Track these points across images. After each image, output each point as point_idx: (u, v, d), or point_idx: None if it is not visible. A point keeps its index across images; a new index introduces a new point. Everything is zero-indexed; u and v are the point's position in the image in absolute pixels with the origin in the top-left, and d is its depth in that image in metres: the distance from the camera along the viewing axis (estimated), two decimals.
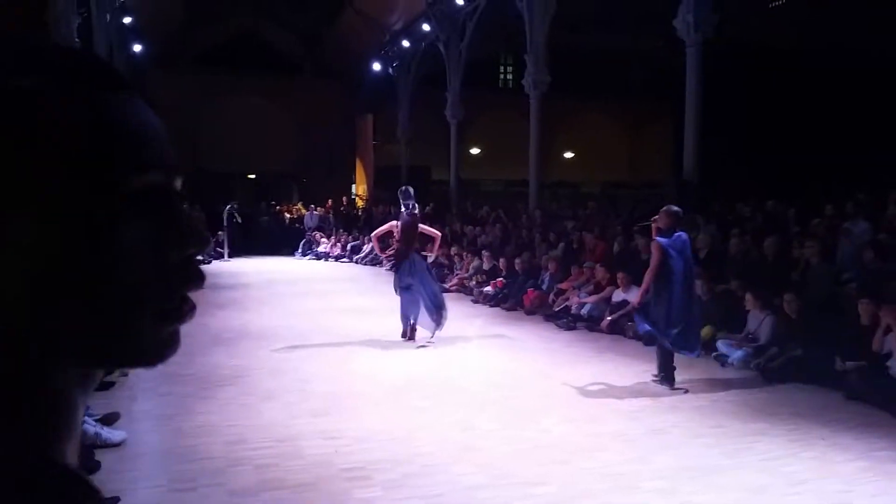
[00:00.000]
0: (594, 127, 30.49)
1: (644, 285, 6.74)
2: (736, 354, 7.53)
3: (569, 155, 30.74)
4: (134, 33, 20.45)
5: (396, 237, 8.82)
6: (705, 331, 8.09)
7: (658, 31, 17.81)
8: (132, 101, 0.52)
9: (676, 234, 6.52)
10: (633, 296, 9.10)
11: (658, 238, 6.49)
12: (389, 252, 9.03)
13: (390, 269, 10.06)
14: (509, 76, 30.04)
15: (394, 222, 8.98)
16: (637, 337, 8.74)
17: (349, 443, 5.04)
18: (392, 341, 8.86)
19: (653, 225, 6.81)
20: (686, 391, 6.62)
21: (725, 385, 7.00)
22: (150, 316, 0.51)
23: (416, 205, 8.90)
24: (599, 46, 27.03)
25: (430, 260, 9.10)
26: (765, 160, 20.68)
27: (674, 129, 27.34)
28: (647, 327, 6.74)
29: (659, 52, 23.50)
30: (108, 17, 17.06)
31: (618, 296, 9.40)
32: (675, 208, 6.67)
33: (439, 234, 9.55)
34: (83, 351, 0.49)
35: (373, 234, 9.72)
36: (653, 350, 7.24)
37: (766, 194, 12.42)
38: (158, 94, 24.37)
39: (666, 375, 6.69)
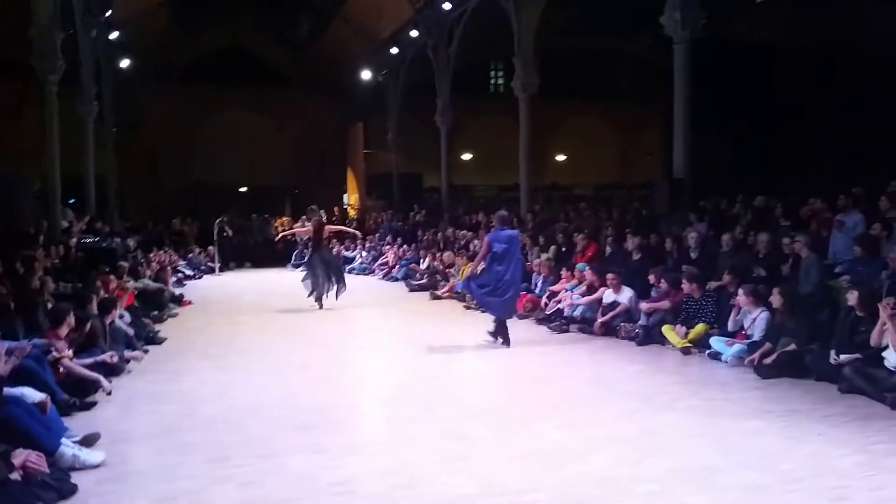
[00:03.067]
0: (586, 129, 30.45)
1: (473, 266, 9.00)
2: (729, 352, 7.43)
3: (561, 158, 30.68)
4: (121, 48, 20.38)
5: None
6: (698, 328, 8.01)
7: (646, 31, 17.82)
8: None
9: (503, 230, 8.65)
10: (625, 297, 9.05)
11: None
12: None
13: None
14: (500, 81, 30.01)
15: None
16: (630, 338, 8.67)
17: (335, 456, 4.92)
18: (382, 352, 8.77)
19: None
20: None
21: (719, 383, 6.91)
22: None
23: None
24: (588, 48, 27.04)
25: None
26: (753, 156, 20.69)
27: (665, 128, 27.43)
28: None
29: (648, 52, 23.53)
30: (94, 32, 16.98)
31: (609, 297, 9.31)
32: (503, 212, 9.14)
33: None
34: None
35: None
36: (647, 350, 8.08)
37: (755, 190, 12.36)
38: (148, 109, 24.35)
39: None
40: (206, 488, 4.38)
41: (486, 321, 9.21)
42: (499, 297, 8.50)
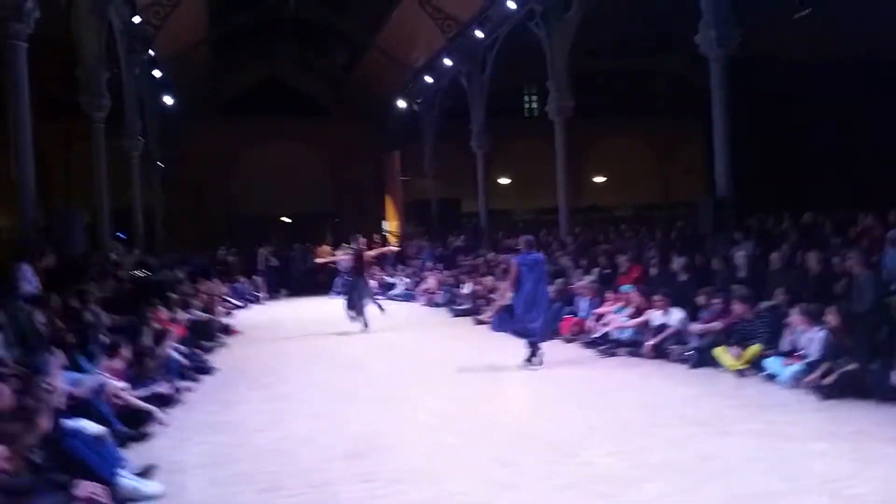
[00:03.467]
0: (623, 149, 30.24)
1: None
2: (786, 373, 7.22)
3: (599, 179, 30.49)
4: (164, 85, 21.02)
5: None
6: (752, 349, 7.81)
7: (681, 49, 17.72)
8: None
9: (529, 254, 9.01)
10: (675, 318, 8.88)
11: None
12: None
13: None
14: (534, 104, 30.07)
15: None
16: (681, 360, 8.48)
17: (385, 484, 4.90)
18: (427, 378, 8.73)
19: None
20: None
21: (778, 405, 6.70)
22: None
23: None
24: (623, 68, 26.97)
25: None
26: (797, 172, 20.27)
27: (705, 147, 27.10)
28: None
29: (683, 69, 23.38)
30: (137, 70, 17.55)
31: (657, 319, 9.14)
32: (529, 237, 9.49)
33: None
34: None
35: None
36: (700, 373, 7.98)
37: (801, 207, 12.09)
38: (190, 144, 25.04)
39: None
40: None
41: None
42: (532, 322, 8.82)
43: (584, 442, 5.67)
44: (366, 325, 12.76)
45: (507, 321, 9.30)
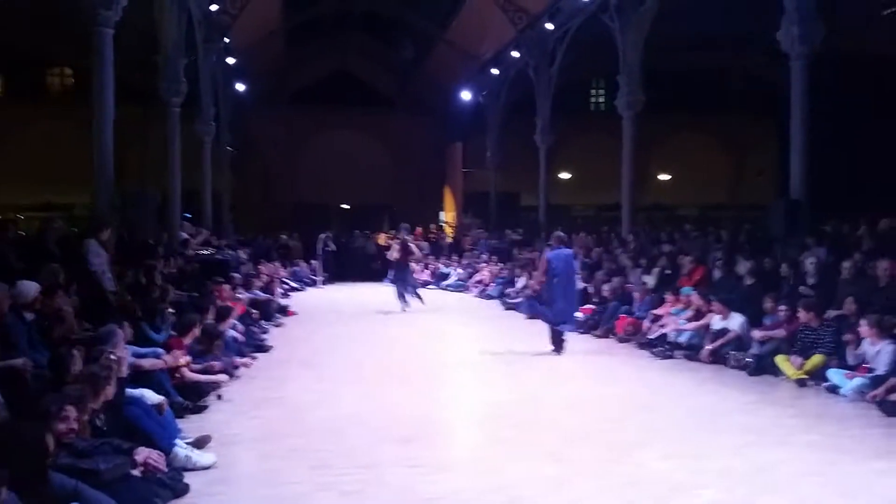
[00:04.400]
0: (691, 147, 29.45)
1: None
2: (849, 385, 6.92)
3: (664, 177, 29.80)
4: (237, 73, 21.59)
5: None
6: (815, 359, 7.52)
7: (758, 45, 17.08)
8: None
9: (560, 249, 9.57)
10: (735, 323, 8.63)
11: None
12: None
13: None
14: (601, 99, 29.59)
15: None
16: (740, 367, 8.24)
17: (433, 471, 4.93)
18: (478, 369, 8.75)
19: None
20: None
21: (838, 418, 6.44)
22: None
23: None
24: (695, 64, 26.26)
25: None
26: (876, 176, 19.33)
27: (778, 148, 26.11)
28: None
29: (760, 68, 22.57)
30: (213, 58, 18.07)
31: (718, 323, 8.89)
32: (560, 233, 10.09)
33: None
34: None
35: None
36: (759, 380, 7.79)
37: (878, 213, 11.50)
38: (259, 131, 25.69)
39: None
40: (310, 494, 4.50)
41: (585, 341, 9.71)
42: (560, 310, 9.38)
43: (638, 444, 5.55)
44: (404, 308, 13.76)
45: (536, 307, 9.99)
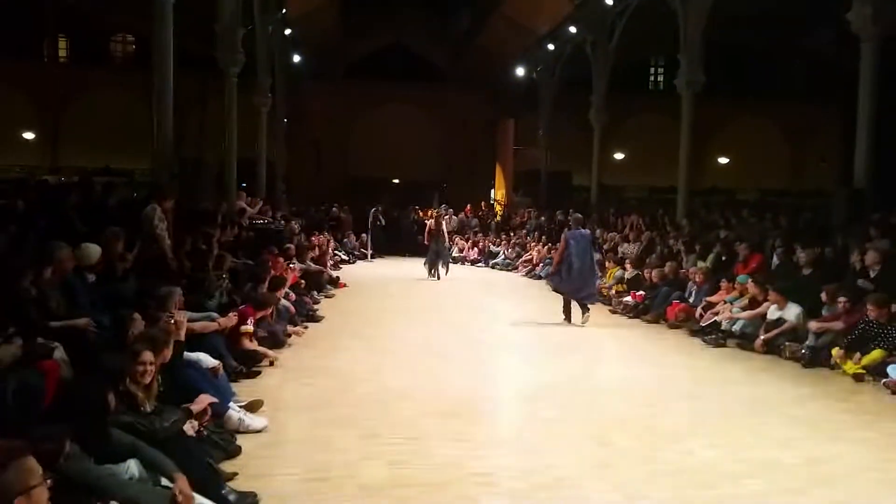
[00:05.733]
0: (752, 130, 28.61)
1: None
2: None
3: (723, 160, 29.03)
4: (293, 44, 21.74)
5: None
6: (874, 353, 7.27)
7: (826, 26, 16.38)
8: None
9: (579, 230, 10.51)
10: (792, 313, 8.40)
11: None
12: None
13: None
14: (659, 77, 28.91)
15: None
16: (795, 358, 8.03)
17: (479, 446, 4.97)
18: (523, 349, 8.75)
19: None
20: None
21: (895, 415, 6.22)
22: None
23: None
24: (758, 44, 25.36)
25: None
26: None
27: (842, 134, 25.10)
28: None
29: (827, 50, 21.66)
30: (270, 28, 18.22)
31: (774, 313, 8.66)
32: (579, 215, 11.24)
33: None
34: None
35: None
36: (814, 373, 7.57)
37: None
38: (313, 103, 25.90)
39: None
40: (358, 462, 4.60)
41: (635, 326, 9.83)
42: (579, 285, 10.27)
43: (685, 431, 5.49)
44: (437, 277, 15.45)
45: (558, 281, 10.61)
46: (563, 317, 10.34)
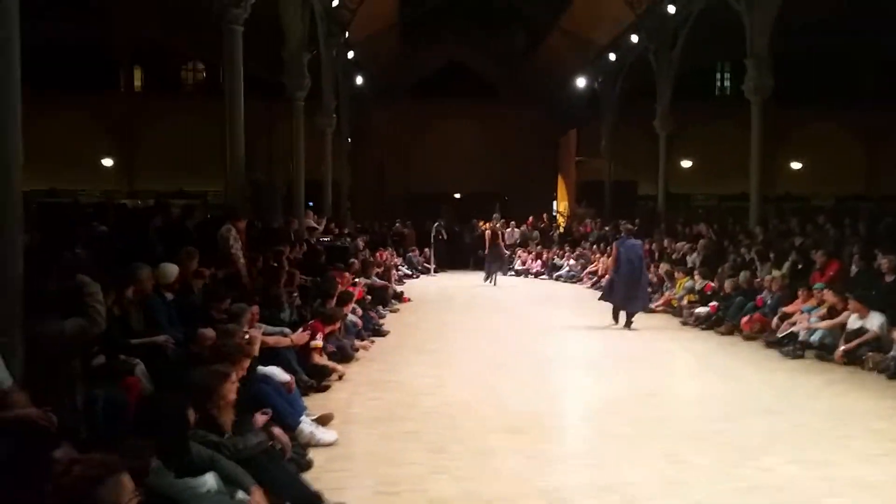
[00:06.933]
0: (823, 135, 27.56)
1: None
2: None
3: (796, 166, 28.02)
4: (356, 67, 22.23)
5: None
6: None
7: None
8: None
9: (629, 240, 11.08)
10: (874, 323, 8.02)
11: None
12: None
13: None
14: (726, 83, 28.23)
15: None
16: (878, 369, 7.65)
17: (547, 462, 4.93)
18: (591, 363, 8.61)
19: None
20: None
21: None
22: None
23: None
24: (828, 48, 24.52)
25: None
26: None
27: None
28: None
29: None
30: (334, 52, 18.69)
31: (854, 322, 8.28)
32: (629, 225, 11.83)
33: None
34: None
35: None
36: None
37: None
38: (375, 123, 26.41)
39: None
40: (426, 476, 4.63)
41: (707, 338, 9.63)
42: (626, 294, 10.58)
43: (762, 447, 5.28)
44: (494, 283, 16.75)
45: (609, 293, 10.90)
46: (613, 320, 10.83)
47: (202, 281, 6.89)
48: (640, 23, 19.07)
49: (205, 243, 7.89)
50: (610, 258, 11.26)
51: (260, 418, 4.54)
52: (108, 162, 27.55)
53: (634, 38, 19.50)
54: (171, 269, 6.37)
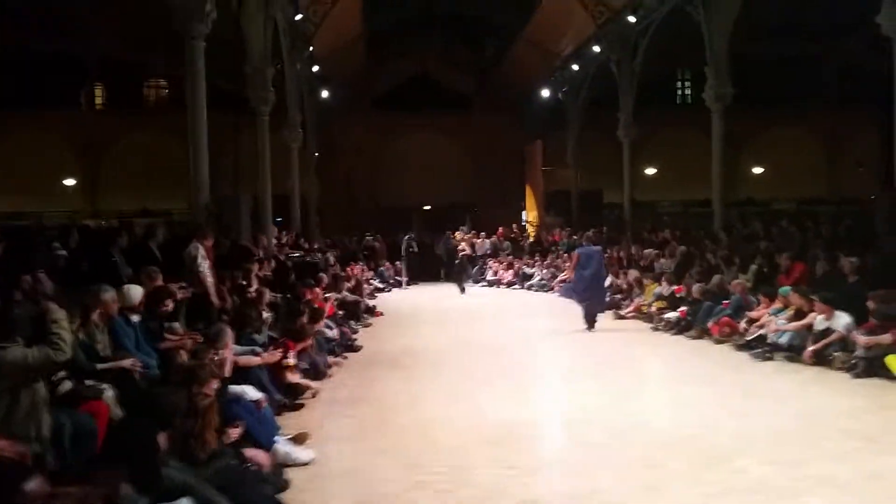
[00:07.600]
0: (784, 139, 28.18)
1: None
2: None
3: (757, 170, 28.61)
4: (321, 80, 22.16)
5: None
6: None
7: (856, 32, 16.14)
8: None
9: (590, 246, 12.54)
10: (840, 323, 8.18)
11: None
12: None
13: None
14: (687, 91, 28.76)
15: None
16: (845, 368, 7.81)
17: (524, 473, 4.91)
18: (565, 371, 8.65)
19: None
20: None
21: None
22: None
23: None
24: (786, 53, 25.14)
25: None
26: None
27: (879, 139, 24.63)
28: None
29: (858, 55, 21.37)
30: (298, 66, 18.61)
31: (821, 323, 8.44)
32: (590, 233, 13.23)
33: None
34: None
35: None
36: (867, 383, 7.32)
37: None
38: (342, 136, 26.31)
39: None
40: (405, 492, 4.58)
41: (678, 343, 9.83)
42: (588, 295, 11.50)
43: (737, 449, 5.34)
44: (462, 291, 17.71)
45: (570, 292, 12.13)
46: (586, 325, 11.35)
47: (172, 301, 6.75)
48: (601, 33, 19.37)
49: (171, 263, 7.75)
50: (571, 263, 12.16)
51: (233, 432, 4.47)
52: (70, 182, 27.02)
53: (597, 49, 19.80)
54: (136, 291, 6.25)
